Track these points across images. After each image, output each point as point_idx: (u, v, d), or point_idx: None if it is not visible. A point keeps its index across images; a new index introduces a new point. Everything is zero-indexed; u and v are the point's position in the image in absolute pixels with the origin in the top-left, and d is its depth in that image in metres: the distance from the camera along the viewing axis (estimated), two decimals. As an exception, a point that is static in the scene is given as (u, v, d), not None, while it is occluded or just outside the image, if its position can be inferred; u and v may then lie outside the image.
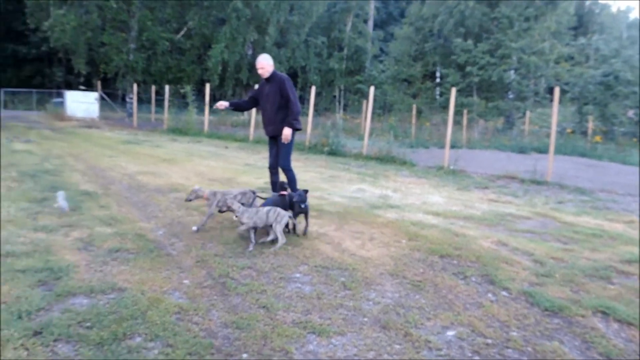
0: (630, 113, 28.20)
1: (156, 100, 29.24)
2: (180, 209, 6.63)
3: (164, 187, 8.18)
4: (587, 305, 3.94)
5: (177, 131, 21.57)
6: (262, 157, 13.40)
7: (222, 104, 6.62)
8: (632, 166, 17.29)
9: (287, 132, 6.28)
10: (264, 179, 9.36)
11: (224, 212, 5.33)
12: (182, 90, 23.90)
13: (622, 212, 8.21)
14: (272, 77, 6.38)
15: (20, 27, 43.02)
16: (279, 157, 6.51)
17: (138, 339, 3.04)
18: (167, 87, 24.33)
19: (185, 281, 4.04)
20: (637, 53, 29.30)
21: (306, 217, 5.59)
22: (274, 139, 6.60)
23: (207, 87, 21.80)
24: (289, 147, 6.47)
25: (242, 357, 2.92)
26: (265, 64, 6.33)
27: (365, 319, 3.54)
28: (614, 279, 4.65)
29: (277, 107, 6.37)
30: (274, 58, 30.16)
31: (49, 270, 4.06)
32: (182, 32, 34.74)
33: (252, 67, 36.33)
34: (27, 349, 2.85)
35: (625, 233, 6.60)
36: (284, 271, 4.38)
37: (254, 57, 36.48)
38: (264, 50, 35.30)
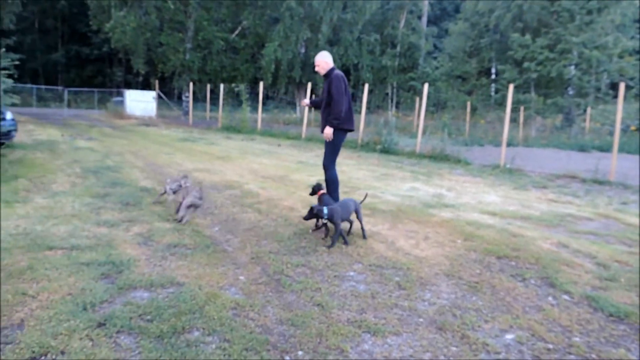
0: (701, 109, 26.67)
1: (211, 98, 29.87)
2: (235, 205, 6.74)
3: (219, 184, 8.34)
4: (655, 311, 3.76)
5: (231, 129, 21.98)
6: (314, 155, 13.46)
7: (305, 102, 6.73)
8: (703, 166, 16.35)
9: (327, 130, 6.06)
10: (317, 176, 9.40)
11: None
12: (236, 89, 24.32)
13: (692, 214, 7.77)
14: (327, 75, 6.22)
15: (83, 29, 44.99)
16: (324, 156, 6.34)
17: (196, 333, 3.11)
18: (221, 86, 24.81)
19: (241, 277, 4.11)
20: None
21: (350, 225, 5.57)
22: None
23: (261, 85, 22.09)
24: (331, 146, 6.19)
25: (297, 354, 2.94)
26: (318, 61, 6.18)
27: (421, 320, 3.49)
28: (685, 285, 4.41)
29: (325, 105, 6.20)
30: (327, 56, 29.97)
31: (111, 263, 4.21)
32: (236, 32, 35.36)
33: (305, 65, 36.59)
34: (91, 340, 2.96)
35: (697, 236, 6.24)
36: (338, 269, 4.38)
37: (307, 55, 36.73)
38: (317, 48, 35.46)
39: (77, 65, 50.67)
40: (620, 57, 31.53)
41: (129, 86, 41.19)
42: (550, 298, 3.98)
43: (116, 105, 31.39)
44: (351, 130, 6.31)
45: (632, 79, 28.94)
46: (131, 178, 8.48)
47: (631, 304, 3.89)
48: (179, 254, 4.59)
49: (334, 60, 6.58)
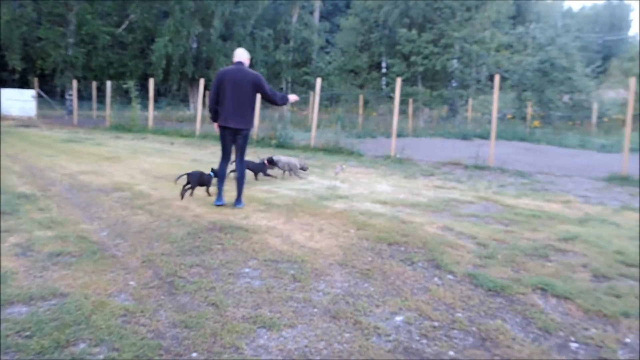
0: (566, 98, 29.40)
1: (97, 96, 28.34)
2: (125, 208, 6.47)
3: (107, 186, 7.96)
4: (527, 283, 4.11)
5: (121, 128, 20.99)
6: (209, 153, 13.22)
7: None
8: (568, 148, 18.08)
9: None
10: (212, 174, 9.26)
11: None
12: (124, 86, 23.24)
13: (559, 193, 8.57)
14: None
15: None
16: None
17: (82, 345, 2.95)
18: (108, 83, 23.61)
19: (131, 282, 3.96)
20: (571, 41, 30.48)
21: None
22: None
23: (151, 81, 21.30)
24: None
25: (191, 357, 2.89)
26: None
27: (315, 310, 3.56)
28: (551, 257, 4.86)
29: None
30: (219, 51, 29.59)
31: (-15, 278, 3.89)
32: (123, 26, 33.79)
33: (198, 61, 35.74)
34: (-38, 362, 2.73)
35: (562, 213, 6.90)
36: (233, 267, 4.35)
37: (199, 50, 35.89)
38: (209, 43, 34.78)
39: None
40: (497, 50, 33.90)
41: (4, 84, 37.90)
42: (436, 279, 4.22)
43: (-11, 106, 28.83)
44: (228, 128, 6.50)
45: (507, 71, 31.22)
46: (7, 184, 7.85)
47: (507, 278, 4.22)
48: (63, 263, 4.32)
49: (227, 55, 6.70)
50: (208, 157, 12.22)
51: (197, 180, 7.16)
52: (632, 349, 3.14)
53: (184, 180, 7.13)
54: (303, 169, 9.31)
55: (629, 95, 11.38)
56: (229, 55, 36.73)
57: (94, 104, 29.03)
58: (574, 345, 3.19)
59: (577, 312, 3.65)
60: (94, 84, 27.87)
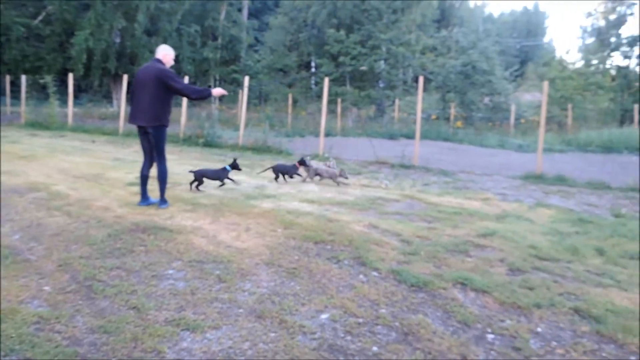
0: (486, 100, 30.77)
1: (12, 91, 26.73)
2: (40, 209, 6.14)
3: (22, 186, 7.51)
4: (448, 278, 4.26)
5: (37, 125, 19.88)
6: (133, 151, 12.81)
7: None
8: (488, 148, 18.93)
9: None
10: (135, 173, 8.95)
11: None
12: (41, 81, 22.02)
13: (479, 191, 8.95)
14: None
15: None
16: None
17: (-10, 355, 2.78)
18: (23, 77, 22.32)
19: (46, 288, 3.76)
20: (491, 45, 31.92)
21: None
22: None
23: (70, 77, 20.34)
24: None
25: (110, 362, 2.78)
26: None
27: (241, 310, 3.53)
28: (471, 252, 5.07)
29: None
30: (144, 47, 28.65)
31: None
32: (40, 17, 32.02)
33: (121, 56, 34.47)
34: None
35: (482, 210, 7.21)
36: (156, 269, 4.23)
37: (123, 45, 34.63)
38: (133, 38, 33.63)
39: None
40: (422, 53, 34.98)
41: None
42: (361, 276, 4.29)
43: None
44: (139, 127, 6.38)
45: (431, 73, 32.25)
46: None
47: (429, 274, 4.36)
48: (-31, 269, 4.05)
49: (152, 51, 6.52)
50: (132, 155, 11.83)
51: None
52: (543, 338, 3.32)
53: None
54: (343, 176, 8.94)
55: (542, 98, 12.03)
56: (153, 51, 35.66)
57: (8, 99, 27.34)
58: (490, 336, 3.34)
59: (494, 305, 3.82)
60: (8, 78, 26.26)
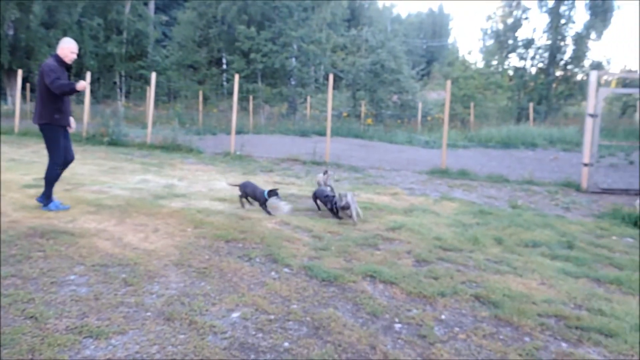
0: (395, 98, 31.77)
1: None
2: None
3: None
4: (357, 271, 4.36)
5: None
6: (30, 151, 12.01)
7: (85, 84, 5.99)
8: (397, 145, 19.56)
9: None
10: (33, 175, 8.43)
11: None
12: None
13: (388, 186, 9.23)
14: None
15: None
16: (72, 149, 6.40)
17: None
18: None
19: None
20: (399, 45, 32.98)
21: None
22: (65, 130, 6.24)
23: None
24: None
25: (3, 376, 2.60)
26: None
27: (148, 314, 3.42)
28: (380, 246, 5.22)
29: None
30: (41, 40, 26.96)
31: None
32: None
33: (15, 50, 32.21)
34: None
35: (391, 204, 7.44)
36: (55, 275, 4.00)
37: (17, 38, 32.35)
38: (29, 30, 31.52)
39: None
40: (333, 51, 35.50)
41: None
42: (273, 273, 4.29)
43: None
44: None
45: (342, 71, 32.83)
46: None
47: (340, 268, 4.44)
48: None
49: (51, 45, 6.12)
50: (28, 156, 11.09)
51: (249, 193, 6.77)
52: (447, 325, 3.48)
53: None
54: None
55: (446, 97, 12.60)
56: (52, 45, 33.55)
57: None
58: (397, 325, 3.45)
59: (401, 295, 3.96)
60: None
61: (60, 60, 6.03)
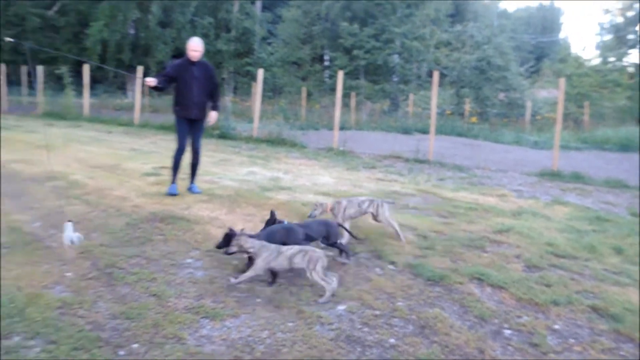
0: (501, 96, 30.54)
1: (29, 82, 26.98)
2: (60, 198, 6.22)
3: (40, 175, 7.61)
4: (464, 273, 4.27)
5: (54, 115, 20.08)
6: (149, 142, 12.89)
7: (151, 81, 6.45)
8: (503, 144, 18.80)
9: (215, 115, 6.80)
10: (152, 164, 9.04)
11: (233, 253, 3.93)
12: (57, 72, 22.22)
13: (494, 187, 8.91)
14: (202, 62, 6.67)
15: None
16: (196, 140, 6.82)
17: (16, 338, 2.85)
18: (39, 68, 22.51)
19: (68, 274, 3.83)
20: (506, 40, 31.65)
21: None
22: (191, 121, 6.66)
23: (86, 68, 20.49)
24: (202, 130, 6.93)
25: (132, 348, 2.84)
26: (200, 48, 6.62)
27: (259, 300, 3.57)
28: (487, 248, 5.06)
29: (207, 92, 6.62)
30: (158, 38, 28.68)
31: None
32: (55, 8, 32.22)
33: (135, 47, 34.61)
34: None
35: (497, 206, 7.18)
36: (175, 258, 4.29)
37: (137, 37, 34.77)
38: (147, 30, 33.74)
39: None
40: (436, 47, 34.74)
41: None
42: (377, 269, 4.31)
43: None
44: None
45: (446, 68, 32.04)
46: None
47: (445, 268, 4.37)
48: (-7, 254, 4.13)
49: (166, 43, 6.62)
50: (147, 146, 11.91)
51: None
52: (561, 335, 3.33)
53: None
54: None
55: (559, 95, 11.92)
56: (168, 43, 35.76)
57: (24, 89, 27.62)
58: (507, 331, 3.35)
59: (511, 301, 3.83)
60: (24, 69, 26.49)
61: (186, 58, 6.56)
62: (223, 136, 14.83)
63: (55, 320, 3.06)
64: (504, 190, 8.66)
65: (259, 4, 47.10)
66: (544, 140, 19.14)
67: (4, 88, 24.60)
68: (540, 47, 65.37)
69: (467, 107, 28.64)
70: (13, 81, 28.80)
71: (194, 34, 37.09)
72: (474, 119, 26.65)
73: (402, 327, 3.30)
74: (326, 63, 41.62)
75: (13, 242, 4.44)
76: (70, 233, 4.57)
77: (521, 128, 25.35)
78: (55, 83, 24.26)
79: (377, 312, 3.48)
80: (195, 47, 6.58)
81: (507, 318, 3.53)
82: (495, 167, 11.63)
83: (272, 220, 4.61)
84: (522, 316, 3.58)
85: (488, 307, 3.67)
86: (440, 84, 22.43)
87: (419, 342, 3.12)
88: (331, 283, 3.67)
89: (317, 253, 3.71)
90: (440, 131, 18.97)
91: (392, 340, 3.12)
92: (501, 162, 12.72)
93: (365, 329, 3.24)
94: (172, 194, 6.49)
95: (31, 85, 26.19)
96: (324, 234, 4.36)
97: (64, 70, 20.60)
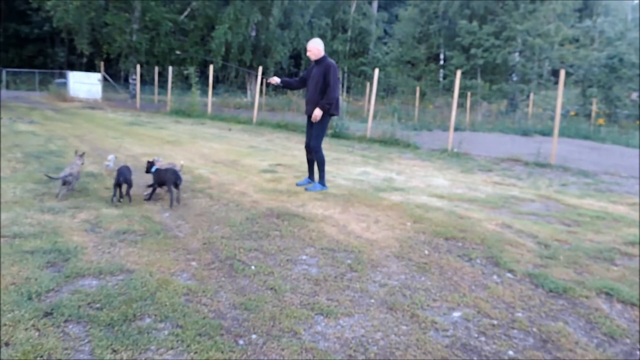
0: (634, 95, 28.13)
1: (159, 81, 29.19)
2: (186, 191, 6.65)
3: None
4: (590, 286, 3.97)
5: (181, 113, 21.56)
6: (265, 140, 13.40)
7: (275, 80, 7.02)
8: (635, 149, 17.29)
9: (317, 112, 6.76)
10: (268, 161, 9.40)
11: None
12: (185, 72, 23.81)
13: (625, 195, 8.22)
14: (321, 61, 6.80)
15: (22, 7, 42.79)
16: (312, 138, 7.03)
17: (148, 320, 3.08)
18: (170, 69, 24.24)
19: (193, 263, 4.08)
20: (642, 35, 29.07)
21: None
22: (310, 119, 7.00)
23: (211, 68, 21.72)
24: (320, 128, 6.95)
25: (251, 338, 2.96)
26: (312, 48, 6.78)
27: (372, 301, 3.57)
28: (617, 261, 4.68)
29: (319, 90, 6.76)
30: (277, 40, 29.84)
31: (57, 251, 4.09)
32: (185, 13, 34.51)
33: (256, 49, 36.13)
34: (38, 330, 2.89)
35: (629, 215, 6.62)
36: (290, 253, 4.41)
37: (258, 38, 36.27)
38: (268, 31, 35.07)
39: (16, 44, 48.08)
40: (561, 44, 32.71)
41: (72, 67, 39.56)
42: (494, 276, 4.14)
43: (59, 87, 30.16)
44: (337, 115, 7.12)
45: (571, 66, 30.08)
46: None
47: (569, 280, 4.09)
48: (128, 241, 4.50)
49: (285, 44, 6.83)
50: (264, 144, 12.38)
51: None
52: None
53: None
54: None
55: None
56: (286, 44, 36.94)
57: (156, 88, 29.89)
58: (640, 353, 3.08)
59: (644, 319, 3.51)
60: (156, 70, 28.70)
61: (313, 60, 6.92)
62: (337, 135, 15.05)
63: (181, 306, 3.27)
64: (636, 198, 7.95)
65: (375, 4, 47.26)
66: (685, 144, 17.33)
67: (138, 87, 26.74)
68: (682, 42, 59.18)
69: (594, 107, 26.68)
70: (146, 81, 31.26)
71: (311, 35, 38.08)
72: (601, 121, 24.80)
73: (521, 340, 3.14)
74: (441, 62, 40.74)
75: (145, 231, 4.81)
76: (109, 162, 7.23)
77: (657, 131, 23.14)
78: (183, 83, 25.96)
79: (495, 322, 3.34)
80: (308, 47, 6.86)
81: (640, 338, 3.24)
82: (626, 173, 10.72)
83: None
84: (659, 338, 3.27)
85: (618, 325, 3.39)
86: (565, 83, 21.08)
87: (540, 356, 2.95)
88: None
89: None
90: (562, 133, 17.87)
91: (510, 353, 2.98)
92: (633, 167, 11.70)
93: (482, 339, 3.13)
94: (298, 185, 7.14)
95: (161, 84, 28.25)
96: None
97: (191, 70, 22.02)
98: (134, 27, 31.49)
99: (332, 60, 6.81)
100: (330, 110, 6.80)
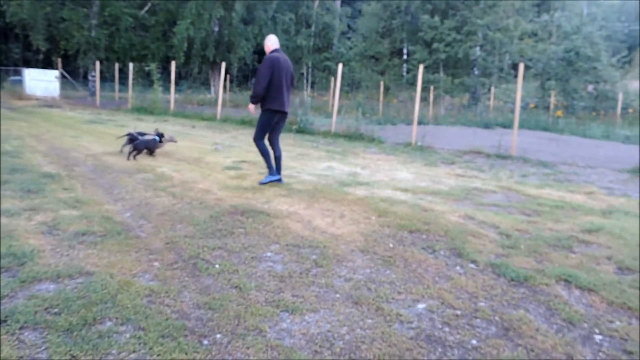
0: (590, 88, 28.93)
1: (120, 78, 28.58)
2: (148, 190, 6.53)
3: (131, 168, 8.04)
4: (550, 274, 4.07)
5: (143, 110, 21.15)
6: (230, 137, 13.27)
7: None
8: (592, 139, 17.81)
9: (249, 106, 7.09)
10: (232, 157, 9.31)
11: None
12: (146, 68, 23.36)
13: (582, 184, 8.46)
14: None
15: (-28, 2, 41.12)
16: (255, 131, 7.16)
17: (109, 323, 3.01)
18: (131, 65, 23.75)
19: (155, 263, 4.01)
20: (597, 30, 29.89)
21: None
22: None
23: (173, 64, 21.38)
24: (258, 122, 7.06)
25: (215, 338, 2.92)
26: (265, 43, 6.98)
27: (337, 295, 3.58)
28: (575, 248, 4.81)
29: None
30: (241, 35, 29.55)
31: (12, 255, 3.95)
32: (146, 8, 33.85)
33: (219, 44, 35.73)
34: (-7, 336, 2.79)
35: (586, 204, 6.81)
36: (255, 251, 4.38)
37: (221, 34, 35.87)
38: (231, 27, 34.72)
39: (-34, 41, 46.33)
40: (520, 39, 33.34)
41: (28, 64, 38.31)
42: (458, 267, 4.20)
43: (14, 85, 29.14)
44: (279, 112, 6.90)
45: (530, 59, 30.72)
46: (32, 163, 7.98)
47: (530, 269, 4.19)
48: (88, 243, 4.39)
49: (248, 39, 6.76)
50: (229, 140, 12.26)
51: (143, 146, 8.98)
52: (659, 343, 3.10)
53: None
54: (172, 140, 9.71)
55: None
56: (250, 39, 36.63)
57: (116, 85, 29.27)
58: (598, 337, 3.17)
59: (601, 305, 3.62)
60: (117, 66, 28.08)
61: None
62: (301, 131, 15.02)
63: (144, 308, 3.20)
64: (592, 187, 8.20)
65: (338, -1, 47.22)
66: (637, 134, 17.94)
67: (98, 84, 26.11)
68: (634, 36, 61.07)
69: (553, 100, 27.35)
70: (106, 78, 30.56)
71: (275, 30, 37.84)
72: (559, 113, 25.44)
73: (484, 329, 3.20)
74: (405, 57, 41.05)
75: (105, 232, 4.70)
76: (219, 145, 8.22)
77: (611, 122, 23.96)
78: (144, 79, 25.48)
79: (458, 312, 3.39)
80: (266, 42, 6.98)
81: (597, 323, 3.34)
82: (583, 163, 11.03)
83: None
84: (615, 321, 3.37)
85: (577, 311, 3.49)
86: (524, 77, 21.54)
87: (503, 344, 3.01)
88: None
89: None
90: (523, 125, 18.30)
91: (474, 342, 3.03)
92: (589, 157, 12.06)
93: (446, 329, 3.17)
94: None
95: (122, 81, 27.67)
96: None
97: (152, 67, 21.63)
98: (93, 23, 30.73)
99: (272, 54, 6.74)
100: (256, 103, 6.88)
